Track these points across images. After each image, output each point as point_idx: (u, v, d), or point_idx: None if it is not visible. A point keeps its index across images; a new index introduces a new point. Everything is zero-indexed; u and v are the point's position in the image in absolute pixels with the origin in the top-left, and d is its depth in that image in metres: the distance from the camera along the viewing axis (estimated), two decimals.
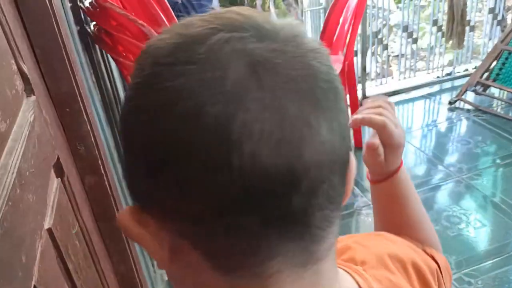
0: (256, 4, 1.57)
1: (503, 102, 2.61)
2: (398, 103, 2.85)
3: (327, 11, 1.73)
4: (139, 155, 0.27)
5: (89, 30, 1.12)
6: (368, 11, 2.61)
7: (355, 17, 1.94)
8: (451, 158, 2.19)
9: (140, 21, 0.95)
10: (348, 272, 0.37)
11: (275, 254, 0.27)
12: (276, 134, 0.24)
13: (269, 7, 1.57)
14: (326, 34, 1.77)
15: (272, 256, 0.27)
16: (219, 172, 0.24)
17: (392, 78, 3.08)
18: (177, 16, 1.51)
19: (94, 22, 1.09)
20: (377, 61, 2.92)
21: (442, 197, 1.90)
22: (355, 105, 2.27)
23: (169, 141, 0.25)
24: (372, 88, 2.91)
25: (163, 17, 0.99)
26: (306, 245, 0.28)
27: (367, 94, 2.86)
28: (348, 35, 1.98)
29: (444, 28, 2.85)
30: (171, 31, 0.27)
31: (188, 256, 0.28)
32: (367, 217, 1.84)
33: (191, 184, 0.25)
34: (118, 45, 1.04)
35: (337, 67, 2.00)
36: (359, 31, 2.39)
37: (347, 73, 2.16)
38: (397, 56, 3.14)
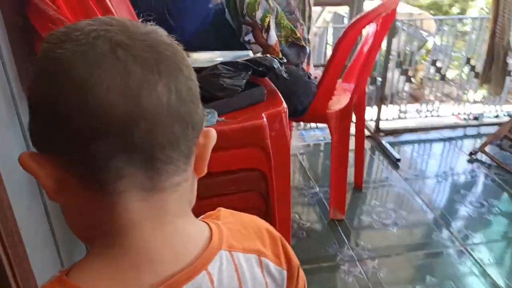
0: (255, 15, 1.35)
1: None
2: (414, 142, 2.59)
3: (342, 33, 1.49)
4: (31, 108, 0.38)
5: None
6: (405, 28, 2.35)
7: (373, 45, 1.70)
8: (459, 220, 1.92)
9: None
10: (206, 223, 0.47)
11: (123, 175, 0.37)
12: (122, 87, 0.35)
13: (269, 22, 1.34)
14: (337, 58, 1.54)
15: (120, 177, 0.37)
16: (81, 111, 0.34)
17: (403, 113, 2.81)
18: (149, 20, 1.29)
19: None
20: (409, 82, 2.63)
21: (440, 268, 1.65)
22: (361, 140, 2.03)
23: (47, 92, 0.36)
24: (388, 122, 2.66)
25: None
26: (150, 175, 0.38)
27: (380, 127, 2.60)
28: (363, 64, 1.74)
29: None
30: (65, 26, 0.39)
31: (67, 184, 0.38)
32: (348, 276, 1.60)
33: (62, 122, 0.35)
34: None
35: (345, 98, 1.76)
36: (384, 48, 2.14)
37: (356, 106, 1.92)
38: (427, 79, 2.83)
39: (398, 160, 2.34)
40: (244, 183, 1.11)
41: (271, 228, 0.54)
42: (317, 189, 2.13)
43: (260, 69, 1.09)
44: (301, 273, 0.57)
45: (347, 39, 1.44)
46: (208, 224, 0.47)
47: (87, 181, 0.37)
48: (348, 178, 2.15)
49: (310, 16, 1.74)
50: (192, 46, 1.30)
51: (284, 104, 1.13)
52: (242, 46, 1.45)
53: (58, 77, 0.35)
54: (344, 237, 1.81)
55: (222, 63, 1.05)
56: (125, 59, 0.35)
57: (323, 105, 1.64)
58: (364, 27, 1.48)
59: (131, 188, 0.37)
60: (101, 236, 0.40)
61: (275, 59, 1.09)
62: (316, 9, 2.75)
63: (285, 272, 0.53)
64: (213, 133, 0.45)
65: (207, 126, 0.99)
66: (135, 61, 0.35)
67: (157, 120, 0.36)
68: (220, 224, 0.48)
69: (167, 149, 0.37)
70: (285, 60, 1.20)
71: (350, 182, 2.14)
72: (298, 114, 1.53)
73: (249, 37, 1.44)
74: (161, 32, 0.40)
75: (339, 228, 1.86)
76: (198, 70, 1.08)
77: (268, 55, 1.13)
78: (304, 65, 1.74)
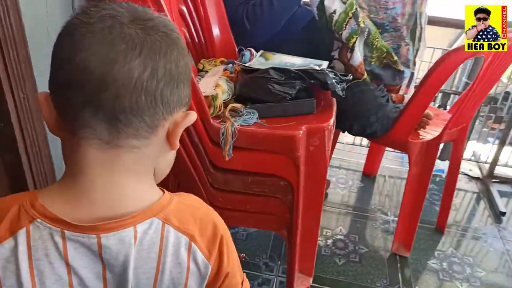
0: (342, 34, 1.32)
1: None
2: None
3: (437, 60, 1.35)
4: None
5: None
6: None
7: (484, 79, 1.49)
8: None
9: None
10: (164, 192, 0.53)
11: (88, 125, 0.45)
12: (103, 56, 0.43)
13: (354, 43, 1.30)
14: (427, 86, 1.39)
15: (86, 125, 0.45)
16: (69, 65, 0.44)
17: None
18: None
19: None
20: None
21: None
22: (453, 180, 1.82)
23: (57, 46, 0.46)
24: (506, 169, 2.30)
25: None
26: (110, 132, 0.46)
27: (496, 173, 2.27)
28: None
29: None
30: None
31: (60, 124, 0.48)
32: None
33: (57, 71, 0.46)
34: None
35: (438, 127, 1.59)
36: None
37: (455, 142, 1.72)
38: None
39: (503, 213, 2.02)
40: (270, 188, 1.12)
41: (221, 225, 0.56)
42: (391, 217, 1.99)
43: (312, 81, 1.08)
44: (230, 281, 0.58)
45: (441, 67, 1.31)
46: (164, 194, 0.52)
47: (67, 124, 0.47)
48: (433, 217, 1.96)
49: (420, 37, 1.60)
50: (274, 49, 1.34)
51: (331, 122, 1.10)
52: (331, 59, 1.42)
53: (66, 37, 0.45)
54: (400, 276, 1.67)
55: (274, 68, 1.08)
56: (116, 35, 0.43)
57: (405, 132, 1.52)
58: (464, 58, 1.31)
59: (92, 137, 0.46)
60: (67, 169, 0.49)
61: (330, 74, 1.07)
62: (453, 31, 2.48)
63: (210, 267, 0.54)
64: (192, 116, 0.50)
65: (242, 126, 1.04)
66: (124, 38, 0.43)
67: (124, 88, 0.43)
68: (175, 199, 0.53)
69: (129, 115, 0.45)
70: (349, 78, 1.16)
71: (433, 221, 1.95)
72: (366, 136, 1.45)
73: (335, 53, 1.41)
74: (165, 22, 0.47)
75: (398, 265, 1.72)
76: (251, 71, 1.12)
77: (326, 70, 1.10)
78: (403, 88, 1.62)
